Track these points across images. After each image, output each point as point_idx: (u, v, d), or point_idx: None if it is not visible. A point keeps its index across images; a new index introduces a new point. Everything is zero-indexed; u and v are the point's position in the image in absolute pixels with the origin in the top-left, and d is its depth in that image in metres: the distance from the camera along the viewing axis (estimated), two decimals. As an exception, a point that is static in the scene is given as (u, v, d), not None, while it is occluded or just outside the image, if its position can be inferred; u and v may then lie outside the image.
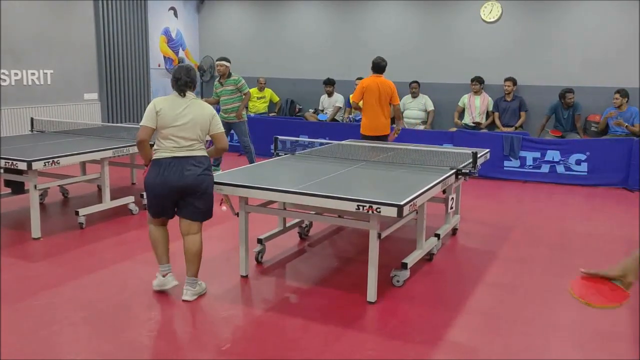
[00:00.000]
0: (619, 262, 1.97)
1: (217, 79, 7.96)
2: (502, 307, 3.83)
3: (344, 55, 10.32)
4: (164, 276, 3.88)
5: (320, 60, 10.51)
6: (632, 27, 8.26)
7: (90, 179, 6.04)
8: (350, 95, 6.87)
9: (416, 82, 9.25)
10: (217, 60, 7.89)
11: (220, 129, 3.81)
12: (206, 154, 3.79)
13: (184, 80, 3.68)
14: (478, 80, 8.96)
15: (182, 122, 3.64)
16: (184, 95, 3.71)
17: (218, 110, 8.07)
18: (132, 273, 4.30)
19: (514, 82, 8.84)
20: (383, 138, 6.59)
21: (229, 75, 7.78)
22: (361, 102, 6.64)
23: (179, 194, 3.68)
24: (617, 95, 7.95)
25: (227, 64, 7.77)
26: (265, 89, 10.46)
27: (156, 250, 3.89)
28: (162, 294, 3.90)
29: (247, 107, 8.37)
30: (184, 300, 3.75)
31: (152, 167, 3.69)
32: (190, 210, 3.75)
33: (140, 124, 3.72)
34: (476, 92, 8.99)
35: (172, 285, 3.89)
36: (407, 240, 5.03)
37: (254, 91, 9.99)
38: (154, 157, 3.70)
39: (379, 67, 6.57)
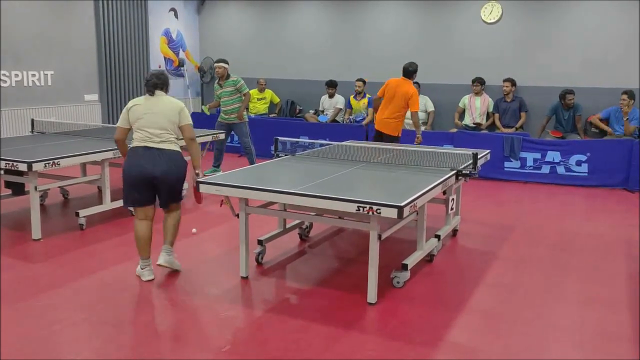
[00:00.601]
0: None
1: (217, 80, 7.96)
2: (502, 308, 3.82)
3: (344, 55, 10.33)
4: (142, 269, 4.16)
5: (321, 61, 10.52)
6: (632, 28, 8.25)
7: (90, 180, 6.03)
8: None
9: (416, 83, 9.22)
10: (215, 62, 7.92)
11: (187, 120, 4.18)
12: (178, 149, 4.13)
13: (152, 82, 4.10)
14: (479, 81, 8.96)
15: (149, 113, 4.04)
16: (153, 94, 4.12)
17: (219, 112, 8.10)
18: (133, 274, 4.29)
19: (513, 82, 8.84)
20: (387, 137, 6.81)
21: (228, 76, 7.80)
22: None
23: (153, 181, 4.02)
24: (625, 97, 7.91)
25: (226, 65, 7.79)
26: (266, 90, 10.46)
27: (137, 243, 4.15)
28: (163, 295, 3.90)
29: (247, 108, 8.38)
30: (158, 265, 4.15)
31: (128, 155, 4.10)
32: (163, 199, 4.14)
33: (116, 125, 4.27)
34: (477, 93, 8.99)
35: (147, 278, 4.14)
36: (407, 241, 5.03)
37: (254, 92, 10.01)
38: (129, 147, 4.14)
39: (405, 71, 6.83)
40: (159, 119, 4.04)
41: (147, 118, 4.04)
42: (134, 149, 4.07)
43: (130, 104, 4.15)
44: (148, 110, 4.06)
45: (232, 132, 8.21)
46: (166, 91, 4.20)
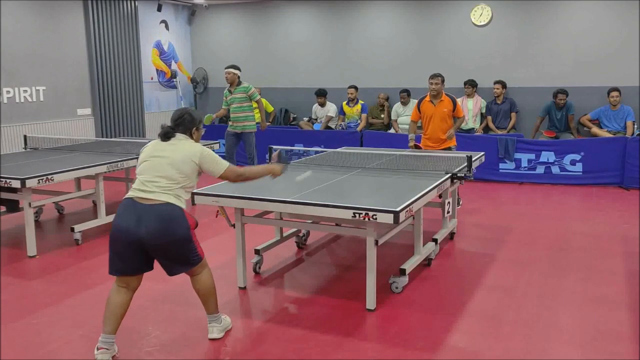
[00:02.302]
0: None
1: (227, 87, 7.64)
2: (501, 310, 3.81)
3: (336, 62, 10.35)
4: (98, 347, 3.16)
5: (313, 69, 10.54)
6: (622, 26, 8.31)
7: (85, 195, 6.02)
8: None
9: (406, 91, 9.23)
10: (225, 68, 7.51)
11: (221, 166, 3.30)
12: (175, 203, 3.15)
13: (165, 130, 3.30)
14: (471, 83, 8.99)
15: (155, 157, 3.22)
16: (165, 140, 3.30)
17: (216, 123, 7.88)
18: (130, 288, 4.26)
19: (504, 85, 8.88)
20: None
21: (239, 83, 7.50)
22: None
23: (140, 245, 3.11)
24: (616, 93, 8.03)
25: (236, 71, 7.45)
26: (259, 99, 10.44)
27: (105, 312, 3.21)
28: (161, 308, 3.87)
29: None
30: (210, 339, 3.41)
31: (118, 207, 3.27)
32: (168, 269, 3.25)
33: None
34: (469, 95, 9.02)
35: (100, 358, 3.14)
36: (404, 245, 5.02)
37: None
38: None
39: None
40: (163, 166, 3.18)
41: (151, 162, 3.22)
42: (122, 202, 3.22)
43: (143, 148, 3.38)
44: (155, 153, 3.24)
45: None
46: (190, 134, 3.34)
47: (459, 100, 6.48)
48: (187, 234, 3.16)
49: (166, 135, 3.28)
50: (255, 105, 7.65)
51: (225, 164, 3.34)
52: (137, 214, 3.10)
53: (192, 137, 3.36)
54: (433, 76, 6.25)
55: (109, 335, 3.18)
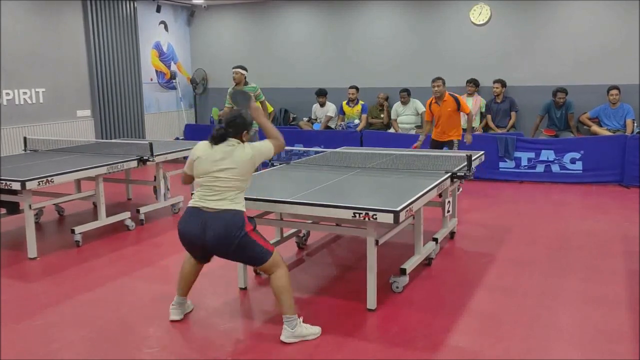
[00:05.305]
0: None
1: (232, 86, 7.58)
2: (502, 310, 3.81)
3: (336, 63, 10.35)
4: (172, 306, 3.72)
5: (313, 69, 10.54)
6: (621, 24, 8.31)
7: (85, 196, 6.02)
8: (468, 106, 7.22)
9: (406, 90, 9.24)
10: (233, 68, 7.52)
11: (264, 150, 3.52)
12: (238, 208, 3.36)
13: (219, 133, 3.41)
14: (474, 82, 9.00)
15: (214, 172, 3.35)
16: (216, 144, 3.42)
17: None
18: (130, 289, 4.27)
19: (503, 83, 8.88)
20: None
21: (246, 83, 7.49)
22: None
23: (208, 249, 3.42)
24: (616, 92, 8.03)
25: (243, 71, 7.44)
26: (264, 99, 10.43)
27: (178, 280, 3.71)
28: (162, 309, 3.87)
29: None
30: (282, 341, 3.38)
31: (183, 215, 3.50)
32: (235, 260, 3.52)
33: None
34: (470, 94, 9.03)
35: (172, 317, 3.68)
36: (405, 245, 5.02)
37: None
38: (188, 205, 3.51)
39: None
40: (230, 175, 3.34)
41: (212, 176, 3.36)
42: (187, 209, 3.47)
43: (196, 152, 3.46)
44: (214, 167, 3.35)
45: None
46: (241, 137, 3.45)
47: (462, 98, 6.89)
48: (248, 238, 3.34)
49: (221, 138, 3.40)
50: (259, 104, 7.65)
51: (269, 145, 3.57)
52: (202, 221, 3.34)
53: (242, 140, 3.47)
54: (434, 80, 7.02)
55: (181, 297, 3.71)
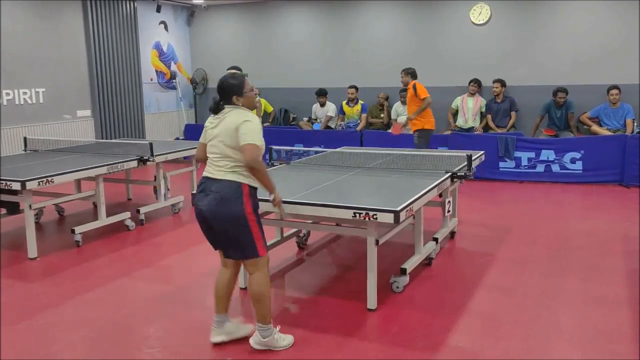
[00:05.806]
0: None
1: None
2: (502, 310, 3.81)
3: (336, 63, 10.35)
4: (213, 325, 3.38)
5: (313, 69, 10.54)
6: (621, 24, 8.31)
7: (85, 197, 6.02)
8: (425, 93, 7.25)
9: (405, 90, 9.23)
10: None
11: (246, 139, 3.06)
12: (236, 179, 3.12)
13: (213, 103, 3.26)
14: (477, 82, 9.01)
15: (213, 138, 3.22)
16: (216, 113, 3.26)
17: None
18: (130, 290, 4.27)
19: (503, 83, 8.88)
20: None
21: None
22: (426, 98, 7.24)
23: (208, 222, 3.20)
24: (616, 91, 8.02)
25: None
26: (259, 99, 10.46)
27: (215, 294, 3.39)
28: (162, 310, 3.87)
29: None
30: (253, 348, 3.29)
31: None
32: (226, 245, 3.26)
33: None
34: (472, 94, 9.04)
35: (213, 339, 3.35)
36: (405, 245, 5.02)
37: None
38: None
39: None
40: (220, 146, 3.17)
41: (212, 142, 3.23)
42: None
43: (206, 123, 3.34)
44: (211, 133, 3.24)
45: None
46: (237, 100, 3.21)
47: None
48: (241, 213, 3.09)
49: (216, 107, 3.24)
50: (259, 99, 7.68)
51: (256, 140, 3.10)
52: (203, 188, 3.19)
53: (238, 105, 3.22)
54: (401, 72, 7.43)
55: (218, 315, 3.37)
